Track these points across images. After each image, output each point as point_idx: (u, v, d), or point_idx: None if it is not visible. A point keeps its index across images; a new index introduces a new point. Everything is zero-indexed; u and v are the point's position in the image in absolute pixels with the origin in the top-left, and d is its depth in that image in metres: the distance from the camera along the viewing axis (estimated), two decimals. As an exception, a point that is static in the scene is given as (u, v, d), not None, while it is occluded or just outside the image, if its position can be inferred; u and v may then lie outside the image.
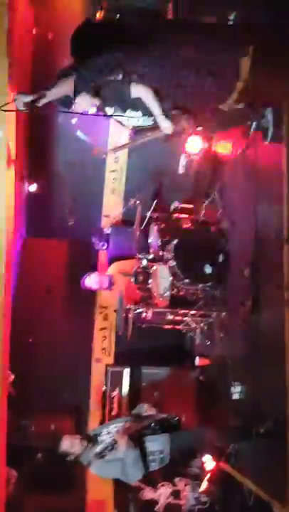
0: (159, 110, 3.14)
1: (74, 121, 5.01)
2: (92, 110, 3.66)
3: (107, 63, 2.87)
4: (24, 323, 4.81)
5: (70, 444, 3.58)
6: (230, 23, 3.64)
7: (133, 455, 3.46)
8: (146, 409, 3.86)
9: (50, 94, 2.99)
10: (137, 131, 3.77)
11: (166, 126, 3.20)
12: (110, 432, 3.68)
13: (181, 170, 5.20)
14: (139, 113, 3.33)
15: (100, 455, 3.54)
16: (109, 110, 3.92)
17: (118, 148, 4.67)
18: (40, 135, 5.29)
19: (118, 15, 4.34)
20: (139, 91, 3.06)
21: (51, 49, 5.02)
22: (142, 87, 3.05)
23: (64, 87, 2.98)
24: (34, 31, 5.00)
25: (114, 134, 5.26)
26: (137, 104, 3.22)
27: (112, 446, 3.57)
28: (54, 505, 4.83)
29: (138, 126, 3.57)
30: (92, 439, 3.67)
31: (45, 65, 5.00)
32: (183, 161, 5.13)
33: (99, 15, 4.42)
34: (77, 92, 2.93)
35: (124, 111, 3.38)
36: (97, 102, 3.32)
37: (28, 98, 2.98)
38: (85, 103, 3.31)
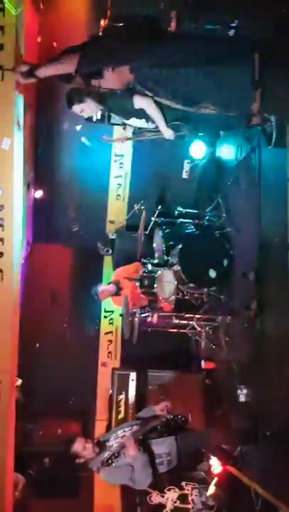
0: (161, 120, 3.21)
1: (79, 128, 5.09)
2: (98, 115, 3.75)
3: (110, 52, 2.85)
4: (31, 328, 4.84)
5: (82, 447, 3.61)
6: (232, 31, 3.70)
7: (141, 461, 3.48)
8: (155, 410, 3.87)
9: (51, 67, 2.95)
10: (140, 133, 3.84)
11: (168, 134, 3.29)
12: (118, 437, 3.70)
13: (185, 175, 5.25)
14: (143, 121, 3.39)
15: (108, 461, 3.56)
16: (114, 117, 3.99)
17: (123, 138, 4.67)
18: (46, 142, 5.35)
19: (122, 23, 4.40)
20: (140, 103, 3.13)
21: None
22: (143, 99, 3.11)
23: (67, 64, 2.91)
24: (39, 39, 5.07)
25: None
26: (140, 114, 3.29)
27: (120, 452, 3.58)
28: (62, 510, 4.84)
29: (140, 128, 3.62)
30: (101, 446, 3.70)
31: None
32: (187, 166, 5.18)
33: (103, 22, 4.48)
34: (78, 71, 2.87)
35: (128, 119, 3.45)
36: (102, 108, 3.42)
37: (27, 67, 2.99)
38: (91, 109, 3.38)
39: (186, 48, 2.95)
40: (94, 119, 4.43)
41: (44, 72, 3.00)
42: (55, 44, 5.09)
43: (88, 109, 3.41)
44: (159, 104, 3.16)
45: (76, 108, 3.39)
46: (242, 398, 4.14)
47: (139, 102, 3.12)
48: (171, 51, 2.91)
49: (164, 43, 3.04)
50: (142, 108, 3.17)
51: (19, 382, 4.43)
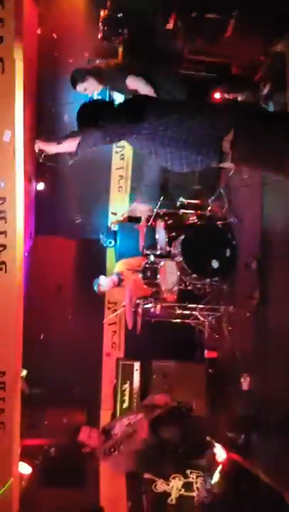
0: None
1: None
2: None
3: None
4: (35, 319, 4.87)
5: (87, 436, 3.65)
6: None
7: (147, 446, 3.52)
8: (157, 397, 3.91)
9: (58, 147, 3.24)
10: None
11: None
12: (123, 425, 3.73)
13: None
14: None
15: (111, 450, 3.60)
16: (115, 94, 4.08)
17: None
18: (47, 134, 5.34)
19: (121, 14, 4.40)
20: (133, 84, 3.26)
21: (56, 49, 5.07)
22: (136, 80, 3.22)
23: (70, 145, 3.13)
24: (39, 31, 5.05)
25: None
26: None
27: (123, 440, 3.62)
28: (68, 499, 4.90)
29: None
30: (107, 434, 3.73)
31: (50, 64, 5.05)
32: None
33: (103, 13, 4.46)
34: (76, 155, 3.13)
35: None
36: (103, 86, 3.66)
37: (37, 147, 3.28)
38: (93, 87, 3.48)
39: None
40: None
41: (50, 151, 3.34)
42: (55, 36, 5.07)
43: (91, 87, 3.54)
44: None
45: (80, 87, 3.53)
46: (245, 387, 4.17)
47: (132, 82, 3.24)
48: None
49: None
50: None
51: (24, 372, 4.47)
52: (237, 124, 2.49)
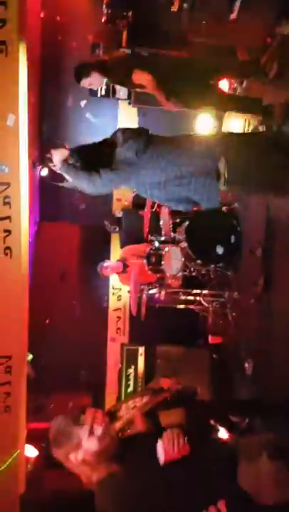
0: (161, 96, 3.39)
1: (84, 104, 5.06)
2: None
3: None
4: (41, 305, 4.90)
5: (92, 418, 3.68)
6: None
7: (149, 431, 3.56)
8: (163, 380, 3.94)
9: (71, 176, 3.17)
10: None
11: (169, 107, 3.39)
12: (129, 408, 3.77)
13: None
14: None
15: (119, 433, 3.64)
16: (118, 91, 4.02)
17: None
18: (51, 119, 5.32)
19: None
20: (140, 79, 3.21)
21: (60, 32, 5.02)
22: (142, 75, 3.17)
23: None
24: (42, 14, 5.00)
25: (123, 117, 5.27)
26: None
27: (130, 423, 3.66)
28: (73, 482, 4.96)
29: None
30: (112, 416, 3.77)
31: (54, 48, 5.01)
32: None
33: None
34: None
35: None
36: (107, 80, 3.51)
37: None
38: (98, 82, 3.43)
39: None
40: (98, 95, 4.42)
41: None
42: (58, 18, 5.02)
43: (96, 81, 3.49)
44: (158, 80, 3.23)
45: (84, 82, 3.46)
46: (249, 372, 4.19)
47: (138, 78, 3.18)
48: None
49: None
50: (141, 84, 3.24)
51: (30, 357, 4.51)
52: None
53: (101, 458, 1.94)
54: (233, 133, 4.05)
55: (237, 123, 4.67)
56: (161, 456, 1.93)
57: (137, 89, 3.72)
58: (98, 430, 1.99)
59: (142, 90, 3.59)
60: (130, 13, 4.41)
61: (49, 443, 2.00)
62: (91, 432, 1.98)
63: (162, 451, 1.94)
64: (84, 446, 1.93)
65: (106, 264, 4.91)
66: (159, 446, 1.97)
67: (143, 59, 3.73)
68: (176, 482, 1.85)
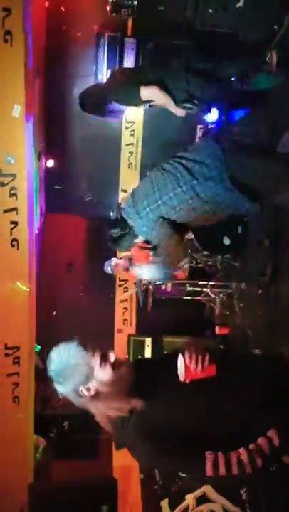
0: (171, 105, 3.22)
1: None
2: None
3: None
4: (48, 296, 4.92)
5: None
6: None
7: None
8: None
9: None
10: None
11: (179, 113, 3.33)
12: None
13: (198, 141, 5.17)
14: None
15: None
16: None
17: None
18: (55, 111, 5.29)
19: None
20: (147, 95, 3.13)
21: (64, 22, 4.98)
22: (148, 89, 3.11)
23: None
24: (47, 4, 4.95)
25: (130, 109, 5.23)
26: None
27: None
28: (81, 471, 5.01)
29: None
30: None
31: (58, 38, 4.97)
32: (200, 132, 5.09)
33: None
34: None
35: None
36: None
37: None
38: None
39: None
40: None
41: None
42: (63, 9, 4.97)
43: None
44: (165, 87, 3.15)
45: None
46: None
47: (147, 95, 3.10)
48: None
49: None
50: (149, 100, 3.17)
51: (37, 348, 4.53)
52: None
53: (117, 389, 1.67)
54: None
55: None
56: (182, 373, 1.63)
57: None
58: (112, 357, 1.74)
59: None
60: (135, 2, 4.36)
61: (51, 379, 1.72)
62: (104, 359, 1.70)
63: (183, 367, 1.63)
64: (97, 377, 1.67)
65: (114, 262, 4.92)
66: (180, 361, 1.65)
67: (147, 71, 3.60)
68: (205, 408, 1.59)
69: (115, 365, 1.69)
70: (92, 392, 1.66)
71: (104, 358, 1.69)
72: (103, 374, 1.66)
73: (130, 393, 1.66)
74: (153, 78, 3.13)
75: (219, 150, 2.55)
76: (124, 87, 3.14)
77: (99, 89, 3.25)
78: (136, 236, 2.94)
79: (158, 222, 2.70)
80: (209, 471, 1.45)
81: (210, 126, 5.06)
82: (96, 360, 1.69)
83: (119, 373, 1.68)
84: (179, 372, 1.65)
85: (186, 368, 1.62)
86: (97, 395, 1.66)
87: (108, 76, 3.67)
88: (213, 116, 4.90)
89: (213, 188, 2.54)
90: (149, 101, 3.18)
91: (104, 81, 3.80)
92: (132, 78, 3.20)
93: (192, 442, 1.52)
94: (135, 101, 3.17)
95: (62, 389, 1.71)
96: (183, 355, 1.65)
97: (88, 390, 1.67)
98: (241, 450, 1.47)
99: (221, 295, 4.91)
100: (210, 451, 1.48)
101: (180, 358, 1.66)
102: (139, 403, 1.62)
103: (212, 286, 4.85)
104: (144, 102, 3.17)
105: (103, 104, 3.18)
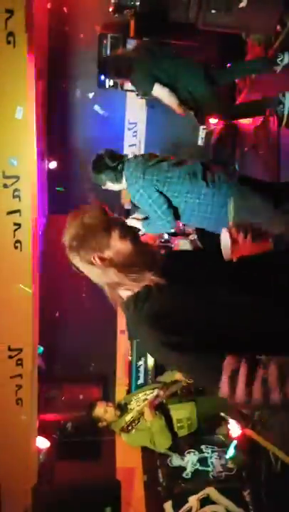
0: (175, 104, 3.55)
1: (91, 95, 5.02)
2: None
3: None
4: (50, 297, 4.91)
5: (104, 411, 3.71)
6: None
7: (159, 425, 3.57)
8: (175, 374, 3.94)
9: None
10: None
11: (180, 112, 3.63)
12: (139, 400, 3.79)
13: (200, 142, 5.16)
14: None
15: (129, 427, 3.67)
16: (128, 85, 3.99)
17: None
18: (58, 111, 5.30)
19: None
20: (158, 93, 3.50)
21: (67, 23, 4.98)
22: (161, 89, 3.44)
23: None
24: (49, 5, 4.95)
25: (131, 108, 5.24)
26: None
27: (140, 415, 3.69)
28: (85, 473, 5.01)
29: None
30: (122, 409, 3.79)
31: (61, 39, 4.97)
32: (202, 132, 5.09)
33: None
34: None
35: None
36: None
37: None
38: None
39: None
40: (107, 86, 4.39)
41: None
42: (65, 10, 4.97)
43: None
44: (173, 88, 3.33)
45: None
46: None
47: (158, 93, 3.45)
48: None
49: None
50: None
51: (40, 349, 4.53)
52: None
53: (136, 262, 1.40)
54: None
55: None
56: (227, 249, 1.24)
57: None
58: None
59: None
60: (138, 2, 4.36)
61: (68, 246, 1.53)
62: (125, 232, 1.42)
63: (228, 240, 1.23)
64: (114, 247, 1.45)
65: None
66: (224, 235, 1.29)
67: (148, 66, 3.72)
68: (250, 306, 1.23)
69: (137, 239, 1.44)
70: (107, 259, 1.46)
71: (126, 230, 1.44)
72: (122, 246, 1.44)
73: (152, 268, 1.38)
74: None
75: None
76: (143, 78, 3.52)
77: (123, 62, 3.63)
78: (118, 180, 3.08)
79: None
80: (225, 381, 1.14)
81: (212, 127, 5.07)
82: (117, 230, 1.47)
83: (141, 247, 1.45)
84: (222, 249, 1.28)
85: (234, 241, 1.22)
86: (111, 262, 1.45)
87: (133, 48, 3.99)
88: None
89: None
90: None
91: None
92: (151, 70, 3.49)
93: (214, 345, 1.20)
94: (146, 90, 3.55)
95: (74, 257, 1.53)
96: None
97: (101, 258, 1.47)
98: (272, 368, 1.12)
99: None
100: (232, 356, 1.15)
101: (224, 231, 1.31)
102: (161, 281, 1.33)
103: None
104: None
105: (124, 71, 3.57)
